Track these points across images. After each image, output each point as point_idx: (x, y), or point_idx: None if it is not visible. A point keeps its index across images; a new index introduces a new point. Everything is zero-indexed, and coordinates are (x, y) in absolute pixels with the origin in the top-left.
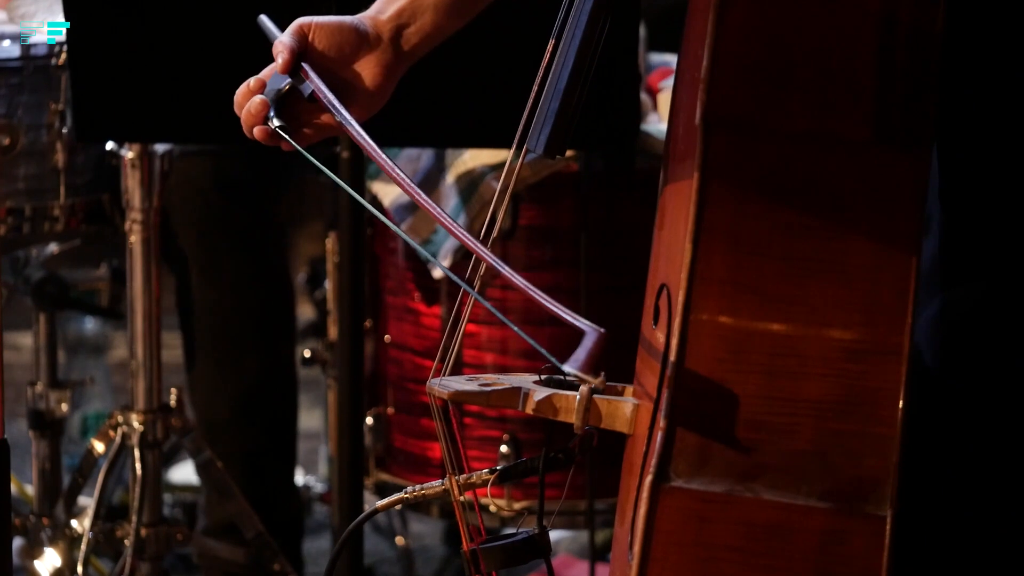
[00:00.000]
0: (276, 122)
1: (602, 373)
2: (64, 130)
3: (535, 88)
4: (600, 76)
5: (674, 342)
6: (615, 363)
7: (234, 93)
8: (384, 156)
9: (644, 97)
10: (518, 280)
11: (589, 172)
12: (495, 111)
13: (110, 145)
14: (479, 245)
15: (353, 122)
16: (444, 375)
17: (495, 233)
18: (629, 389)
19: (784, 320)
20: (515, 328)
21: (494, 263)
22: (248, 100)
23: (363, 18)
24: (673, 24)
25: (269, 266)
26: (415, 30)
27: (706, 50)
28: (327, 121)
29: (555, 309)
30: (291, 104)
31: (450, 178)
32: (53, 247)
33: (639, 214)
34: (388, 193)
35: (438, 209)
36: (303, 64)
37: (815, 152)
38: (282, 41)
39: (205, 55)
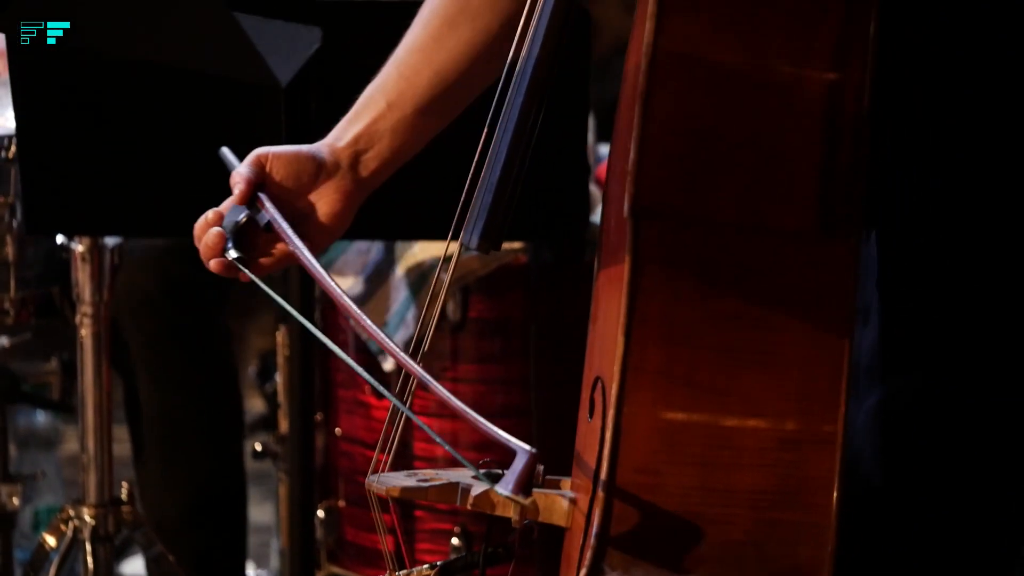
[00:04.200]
0: (233, 254)
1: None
2: (14, 223)
3: (468, 181)
4: (548, 167)
5: (608, 435)
6: (562, 455)
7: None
8: (337, 287)
9: (593, 188)
10: (445, 395)
11: (538, 264)
12: (443, 202)
13: (60, 238)
14: (409, 360)
15: (305, 251)
16: (385, 470)
17: (430, 330)
18: (567, 482)
19: (718, 411)
20: (433, 435)
21: (428, 381)
22: (206, 232)
23: (321, 146)
24: None
25: (216, 369)
26: (373, 155)
27: (633, 141)
28: (285, 250)
29: (488, 428)
30: (250, 234)
31: (400, 270)
32: (3, 340)
33: (588, 306)
34: (339, 284)
35: (382, 334)
36: (260, 194)
37: (747, 242)
38: (239, 172)
39: (154, 150)
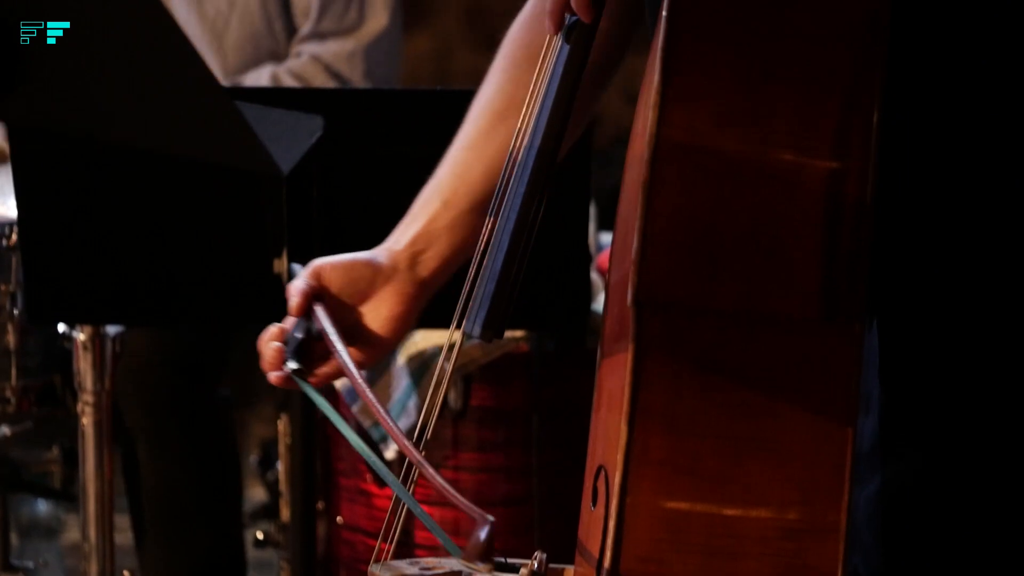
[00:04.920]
0: (291, 365)
1: (537, 553)
2: (16, 312)
3: (472, 269)
4: (550, 256)
5: (611, 523)
6: (565, 543)
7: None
8: (377, 403)
9: (594, 277)
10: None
11: (540, 352)
12: (445, 291)
13: (62, 327)
14: (407, 441)
15: (350, 363)
16: (387, 558)
17: (432, 418)
18: (571, 570)
19: (721, 500)
20: (417, 510)
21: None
22: (266, 346)
23: (379, 251)
24: None
25: (216, 441)
26: (432, 255)
27: (636, 230)
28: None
29: (452, 495)
30: (313, 345)
31: (401, 359)
32: (5, 429)
33: (591, 394)
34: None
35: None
36: (313, 306)
37: (750, 331)
38: (293, 285)
39: (156, 238)
